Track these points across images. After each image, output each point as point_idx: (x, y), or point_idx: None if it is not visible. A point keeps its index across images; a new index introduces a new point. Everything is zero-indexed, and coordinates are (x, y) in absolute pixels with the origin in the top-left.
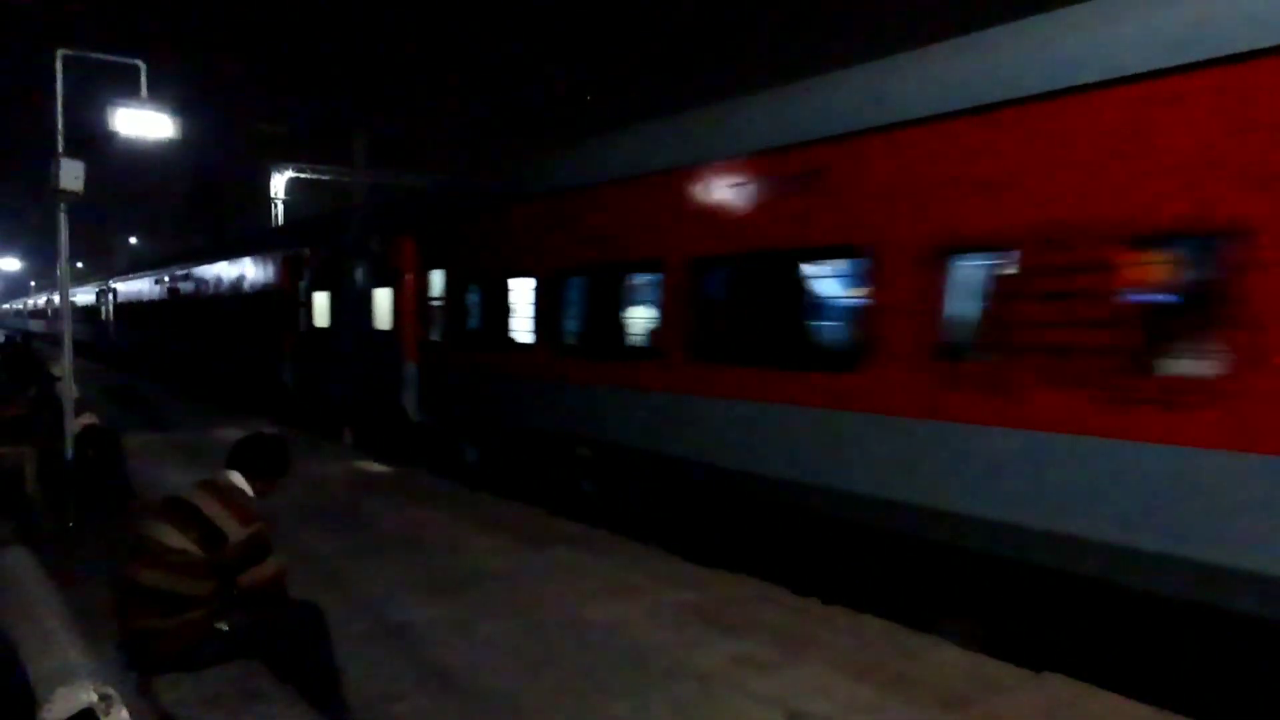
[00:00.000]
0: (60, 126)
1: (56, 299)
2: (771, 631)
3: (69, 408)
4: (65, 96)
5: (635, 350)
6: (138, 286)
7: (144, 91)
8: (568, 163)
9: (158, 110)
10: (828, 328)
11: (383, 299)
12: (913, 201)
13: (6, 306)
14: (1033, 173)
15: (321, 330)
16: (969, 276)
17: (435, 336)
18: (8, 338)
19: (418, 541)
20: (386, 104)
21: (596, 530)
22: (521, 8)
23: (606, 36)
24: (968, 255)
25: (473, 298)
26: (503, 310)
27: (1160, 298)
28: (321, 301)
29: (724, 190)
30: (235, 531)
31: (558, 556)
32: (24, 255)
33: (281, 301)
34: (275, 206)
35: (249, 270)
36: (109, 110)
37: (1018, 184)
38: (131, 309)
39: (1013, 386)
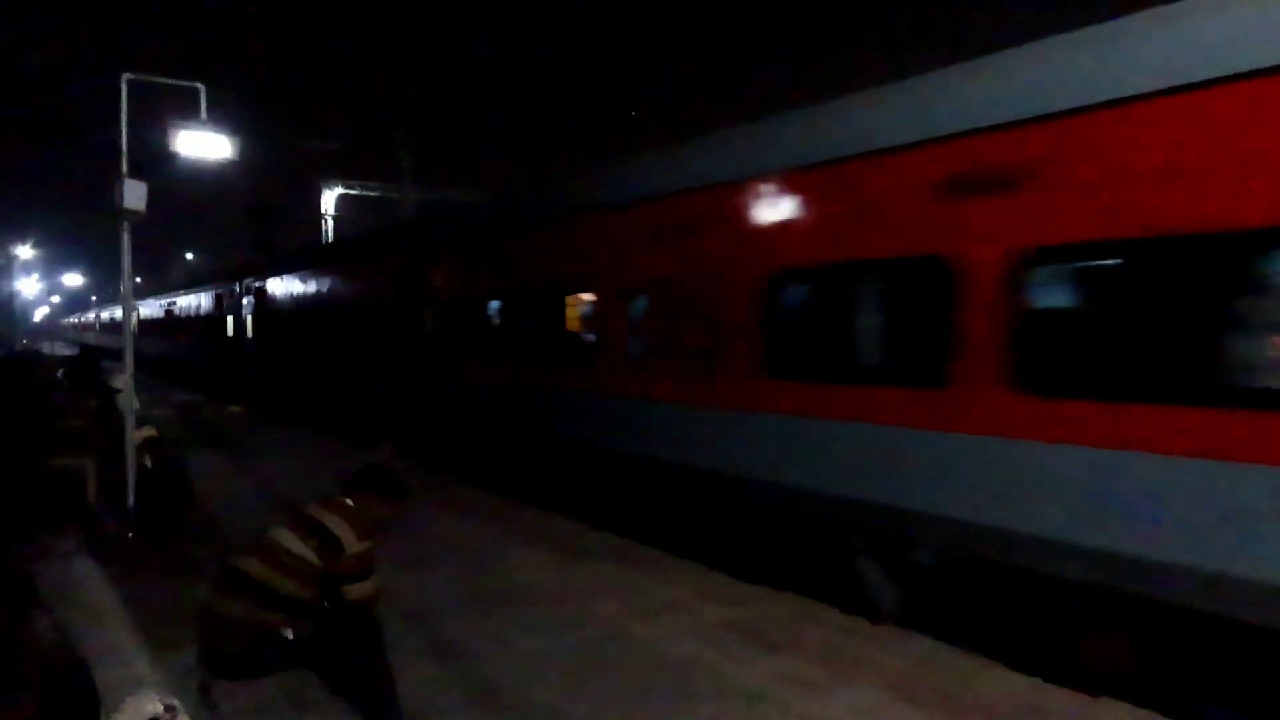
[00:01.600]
0: (125, 148)
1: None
2: (819, 650)
3: (130, 420)
4: (129, 118)
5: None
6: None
7: (204, 113)
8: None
9: (217, 131)
10: None
11: None
12: None
13: (73, 320)
14: None
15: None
16: None
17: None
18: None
19: (461, 554)
20: (433, 119)
21: (640, 545)
22: (569, 26)
23: (653, 53)
24: None
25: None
26: None
27: None
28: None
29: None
30: (351, 544)
31: (602, 571)
32: (87, 270)
33: None
34: (326, 223)
35: None
36: (170, 132)
37: None
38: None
39: None
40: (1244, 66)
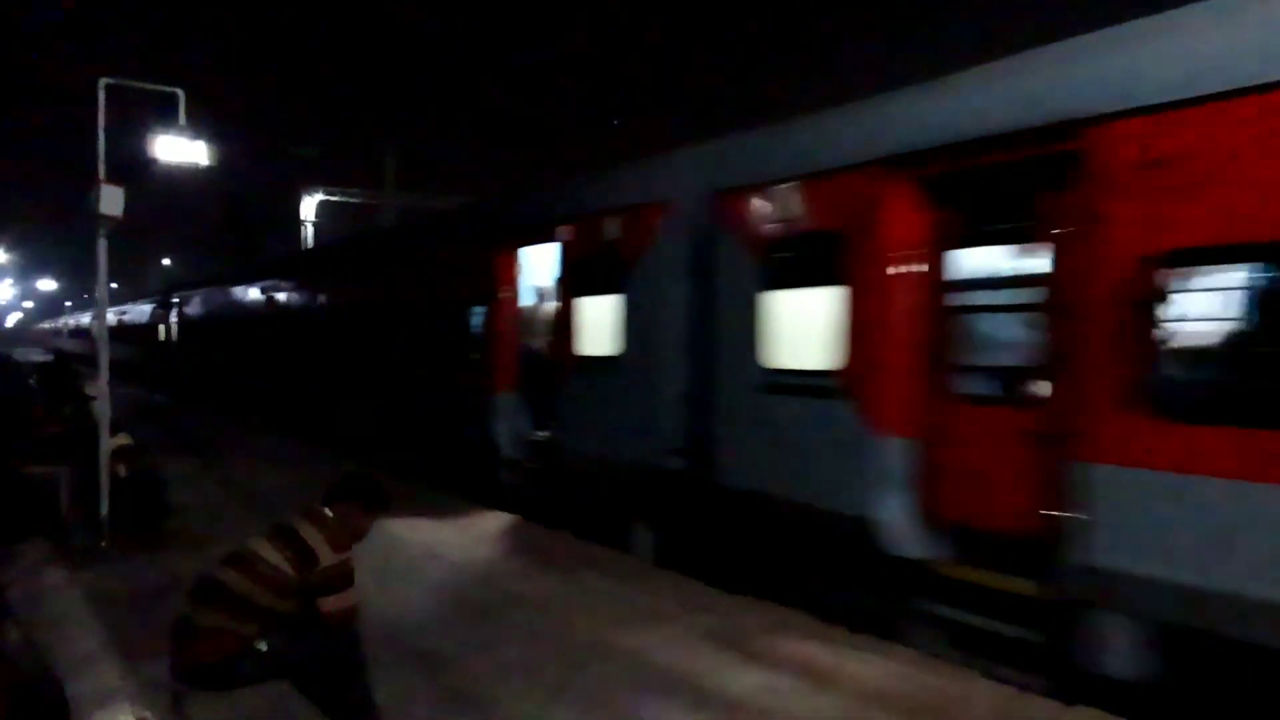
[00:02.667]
0: (102, 153)
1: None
2: (798, 659)
3: (104, 427)
4: (106, 124)
5: None
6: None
7: (182, 119)
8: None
9: (195, 137)
10: None
11: None
12: None
13: (47, 325)
14: None
15: None
16: None
17: None
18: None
19: (441, 564)
20: (416, 127)
21: (621, 555)
22: (550, 33)
23: (634, 62)
24: None
25: None
26: None
27: None
28: None
29: None
30: (327, 556)
31: (583, 581)
32: (60, 276)
33: None
34: (305, 229)
35: None
36: (149, 137)
37: None
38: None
39: None
40: None
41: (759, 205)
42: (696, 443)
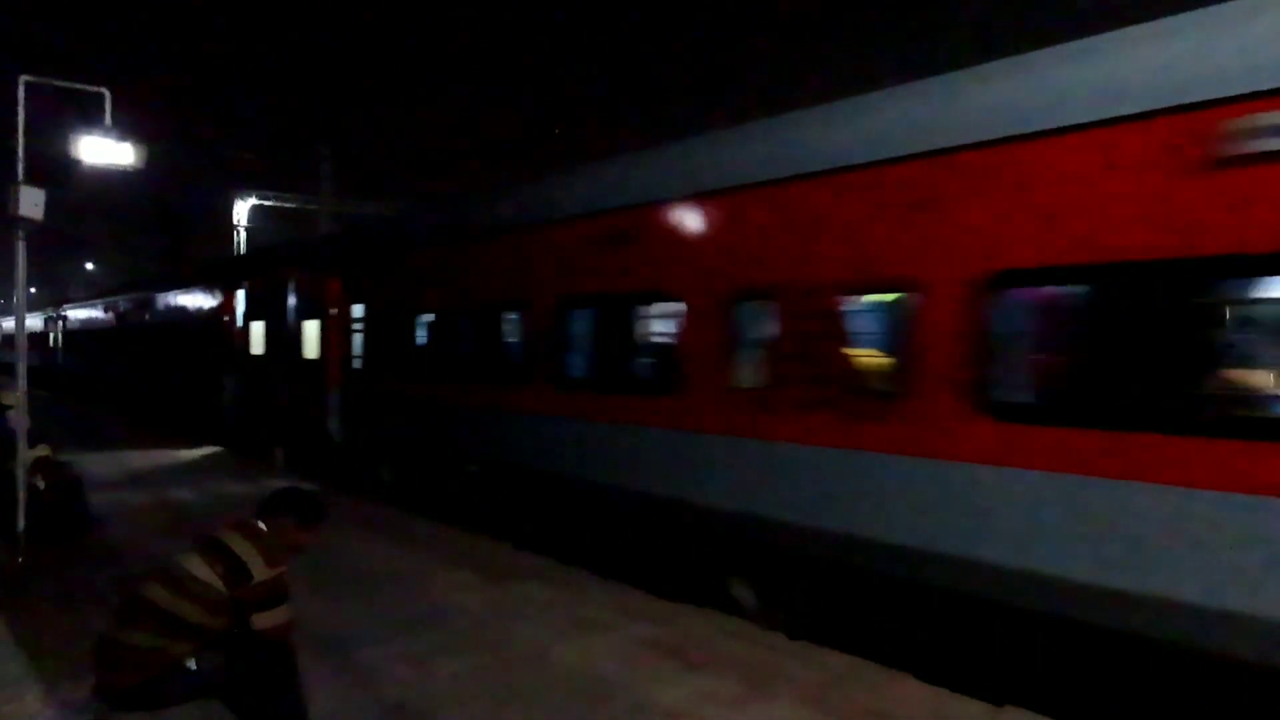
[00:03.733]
0: (21, 153)
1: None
2: (737, 666)
3: (22, 439)
4: (26, 123)
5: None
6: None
7: (109, 119)
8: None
9: (121, 138)
10: None
11: None
12: None
13: None
14: None
15: None
16: None
17: None
18: None
19: (378, 575)
20: (353, 132)
21: (562, 565)
22: (492, 39)
23: (574, 70)
24: None
25: None
26: None
27: None
28: None
29: None
30: (260, 571)
31: (523, 592)
32: None
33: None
34: (238, 234)
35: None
36: (72, 138)
37: None
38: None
39: None
40: None
41: None
42: None
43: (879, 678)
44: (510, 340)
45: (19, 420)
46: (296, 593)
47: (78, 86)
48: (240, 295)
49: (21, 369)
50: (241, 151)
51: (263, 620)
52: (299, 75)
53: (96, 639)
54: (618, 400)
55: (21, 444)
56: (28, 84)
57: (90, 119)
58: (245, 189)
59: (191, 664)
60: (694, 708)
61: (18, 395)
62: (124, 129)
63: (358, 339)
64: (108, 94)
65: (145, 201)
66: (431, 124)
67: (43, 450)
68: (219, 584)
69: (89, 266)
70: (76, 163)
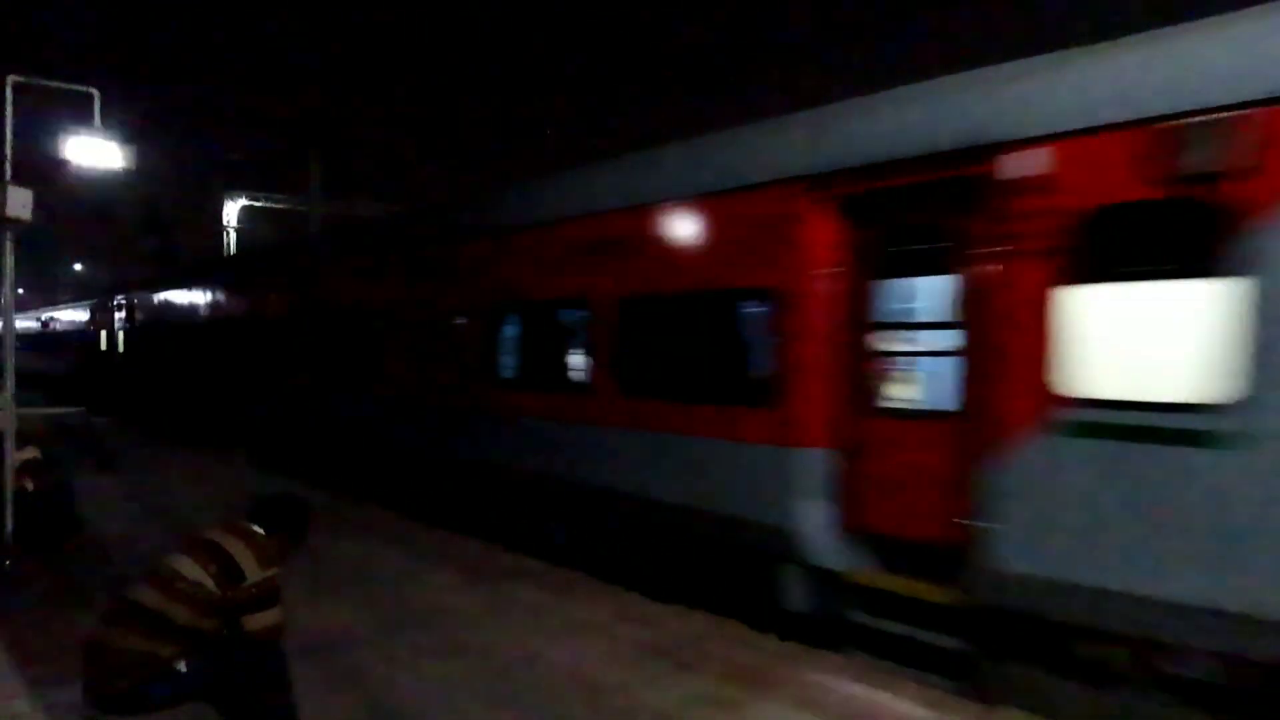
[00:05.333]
0: (9, 153)
1: None
2: (730, 668)
3: (10, 441)
4: (16, 123)
5: None
6: None
7: (97, 120)
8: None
9: (110, 139)
10: None
11: None
12: None
13: None
14: None
15: None
16: None
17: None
18: None
19: (370, 577)
20: (344, 132)
21: (553, 567)
22: (482, 41)
23: (566, 71)
24: None
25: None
26: None
27: None
28: None
29: None
30: (254, 572)
31: (514, 593)
32: None
33: None
34: (227, 235)
35: None
36: (61, 138)
37: None
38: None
39: None
40: None
41: None
42: None
43: (872, 679)
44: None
45: (6, 422)
46: (288, 595)
47: (67, 86)
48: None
49: (9, 369)
50: (230, 152)
51: (254, 622)
52: (288, 76)
53: (85, 642)
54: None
55: (9, 446)
56: (15, 84)
57: (80, 120)
58: (235, 189)
59: (182, 666)
60: (685, 710)
61: (5, 396)
62: (112, 129)
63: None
64: (96, 94)
65: (134, 202)
66: (421, 125)
67: (31, 452)
68: (211, 584)
69: (77, 267)
70: (65, 163)
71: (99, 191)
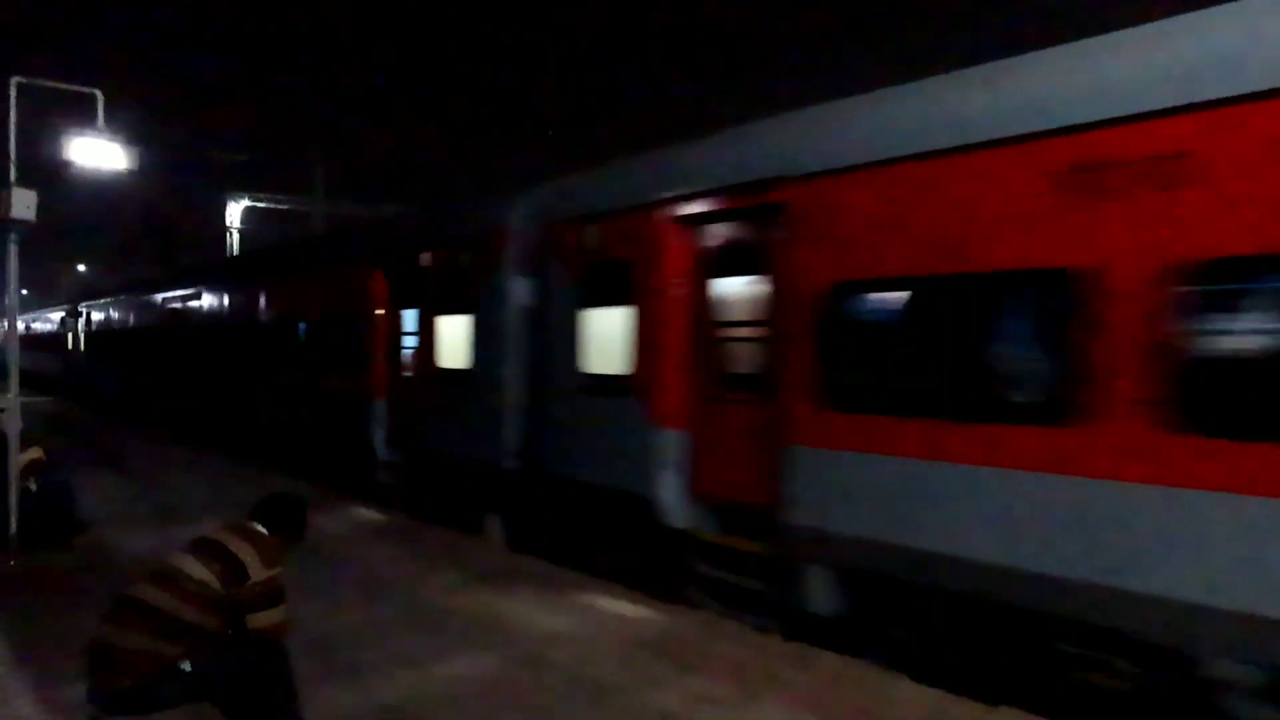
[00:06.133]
0: (13, 154)
1: None
2: (732, 668)
3: (14, 441)
4: (19, 124)
5: None
6: None
7: (100, 121)
8: None
9: (113, 140)
10: None
11: None
12: None
13: None
14: None
15: None
16: None
17: None
18: None
19: (374, 577)
20: (346, 133)
21: (558, 567)
22: (484, 42)
23: (567, 74)
24: None
25: None
26: None
27: None
28: None
29: None
30: (258, 571)
31: (518, 594)
32: None
33: None
34: (231, 235)
35: None
36: (64, 140)
37: None
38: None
39: None
40: None
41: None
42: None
43: (874, 679)
44: None
45: (11, 423)
46: (291, 594)
47: (70, 87)
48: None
49: (13, 372)
50: (229, 153)
51: (258, 621)
52: (291, 76)
53: (89, 641)
54: None
55: (14, 446)
56: (19, 85)
57: (83, 121)
58: (238, 190)
59: (185, 665)
60: (689, 710)
61: (10, 398)
62: (115, 130)
63: None
64: (100, 95)
65: (137, 202)
66: (422, 125)
67: (35, 453)
68: (216, 583)
69: (81, 269)
70: (68, 164)
71: (102, 192)
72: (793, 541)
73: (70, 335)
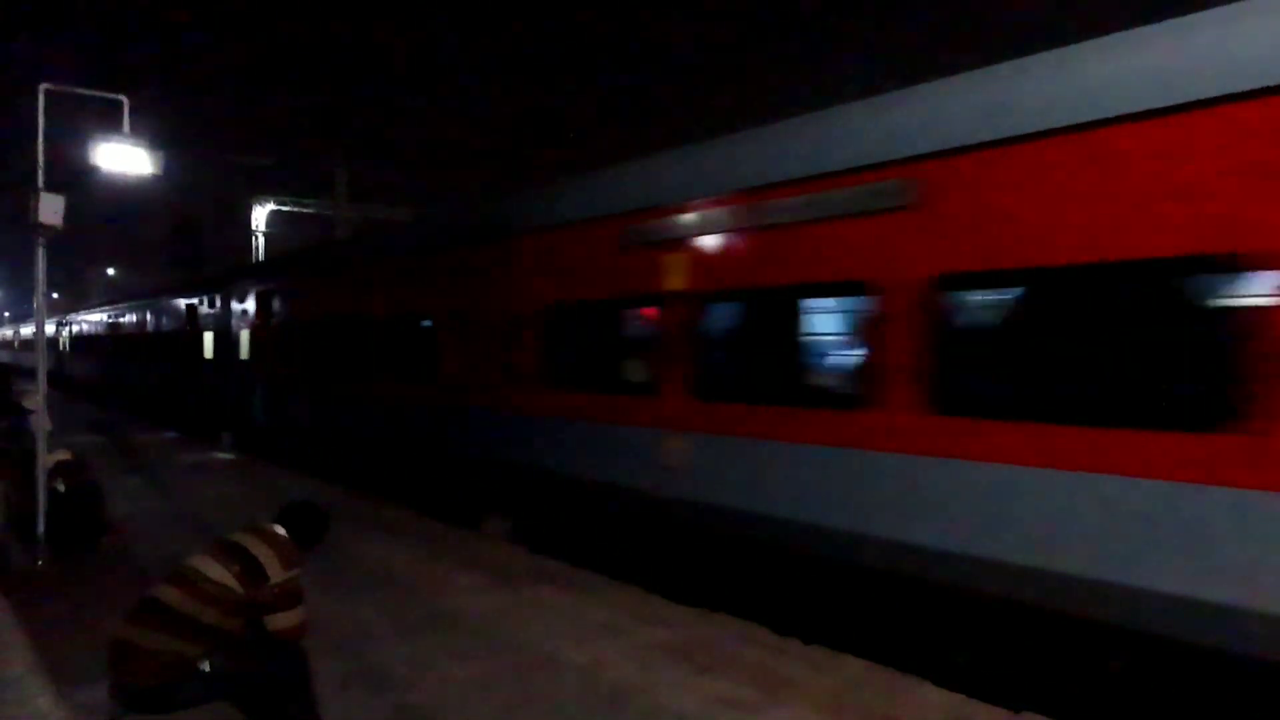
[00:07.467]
0: (41, 161)
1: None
2: (751, 671)
3: (42, 441)
4: (47, 131)
5: None
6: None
7: (126, 126)
8: None
9: (139, 145)
10: None
11: None
12: None
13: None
14: None
15: None
16: None
17: None
18: None
19: (392, 577)
20: (370, 136)
21: (574, 568)
22: (505, 46)
23: (587, 77)
24: None
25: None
26: None
27: None
28: None
29: None
30: (277, 573)
31: (535, 595)
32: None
33: None
34: (256, 239)
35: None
36: (91, 145)
37: None
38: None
39: None
40: None
41: None
42: None
43: (894, 683)
44: None
45: (40, 424)
46: (310, 595)
47: (97, 94)
48: None
49: (41, 374)
50: (255, 158)
51: (277, 622)
52: (316, 80)
53: (110, 641)
54: None
55: (42, 447)
56: (47, 92)
57: (109, 127)
58: (263, 195)
59: (205, 666)
60: (707, 713)
61: (39, 398)
62: (141, 136)
63: None
64: (125, 101)
65: (164, 206)
66: (446, 127)
67: (64, 454)
68: (235, 585)
69: (110, 272)
70: (95, 170)
71: (131, 197)
72: None
73: (63, 339)
